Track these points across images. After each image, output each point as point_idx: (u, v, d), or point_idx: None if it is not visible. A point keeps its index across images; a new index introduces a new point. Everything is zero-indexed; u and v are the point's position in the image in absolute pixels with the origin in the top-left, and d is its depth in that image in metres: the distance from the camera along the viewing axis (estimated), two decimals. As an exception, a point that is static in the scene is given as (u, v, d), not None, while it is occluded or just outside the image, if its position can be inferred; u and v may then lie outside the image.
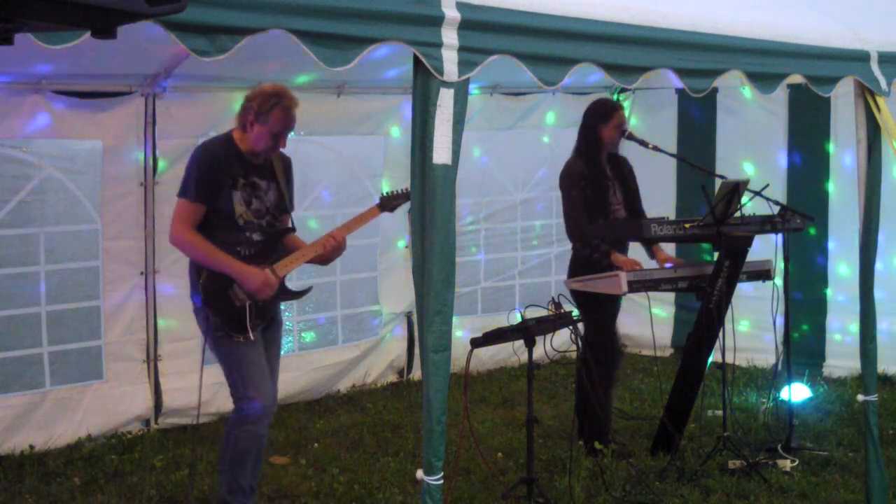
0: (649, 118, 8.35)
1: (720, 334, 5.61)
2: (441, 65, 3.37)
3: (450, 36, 3.39)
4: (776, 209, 5.74)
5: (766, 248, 6.13)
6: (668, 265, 5.77)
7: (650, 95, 8.28)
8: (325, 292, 7.09)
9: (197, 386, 4.85)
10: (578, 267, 5.73)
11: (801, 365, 7.08)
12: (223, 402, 5.51)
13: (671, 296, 8.12)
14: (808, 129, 7.63)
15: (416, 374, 7.50)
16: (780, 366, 6.39)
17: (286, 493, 5.27)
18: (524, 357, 5.11)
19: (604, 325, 5.85)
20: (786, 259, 5.90)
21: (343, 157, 7.15)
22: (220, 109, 6.14)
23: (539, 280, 8.26)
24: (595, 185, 5.74)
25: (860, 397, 5.02)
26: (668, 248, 6.82)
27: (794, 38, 4.67)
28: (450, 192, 3.43)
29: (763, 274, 5.90)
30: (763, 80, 4.56)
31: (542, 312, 4.91)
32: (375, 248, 7.33)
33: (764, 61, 4.53)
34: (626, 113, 8.02)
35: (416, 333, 5.09)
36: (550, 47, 3.72)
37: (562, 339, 5.04)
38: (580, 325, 5.43)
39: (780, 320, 5.96)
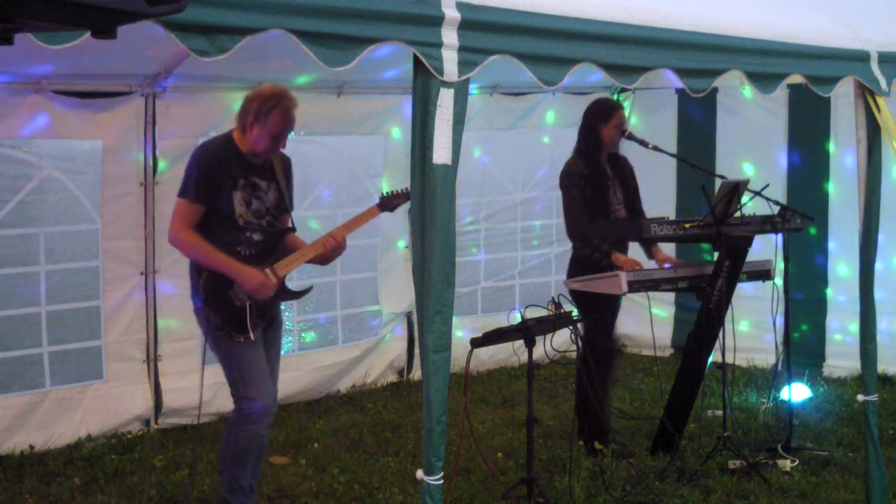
0: (649, 118, 8.35)
1: (720, 334, 5.61)
2: (441, 65, 3.37)
3: (450, 36, 3.39)
4: (776, 209, 5.74)
5: (766, 248, 6.13)
6: (667, 266, 5.77)
7: (650, 95, 8.28)
8: (325, 292, 7.09)
9: (197, 386, 4.85)
10: (578, 267, 5.73)
11: (801, 365, 7.08)
12: (223, 401, 5.51)
13: (671, 296, 8.12)
14: (808, 129, 7.63)
15: (416, 374, 7.50)
16: (780, 366, 6.39)
17: (286, 493, 5.27)
18: (524, 357, 5.11)
19: (603, 325, 5.84)
20: (786, 259, 5.90)
21: (343, 157, 7.15)
22: (220, 109, 6.14)
23: (539, 280, 8.26)
24: (595, 185, 5.74)
25: (860, 397, 5.02)
26: (668, 249, 6.83)
27: (794, 38, 4.67)
28: (450, 192, 3.43)
29: (763, 274, 5.90)
30: (763, 80, 4.56)
31: (542, 312, 4.91)
32: (375, 248, 7.33)
33: (764, 61, 4.53)
34: (627, 113, 8.04)
35: (416, 333, 5.09)
36: (550, 47, 3.72)
37: (562, 339, 5.04)
38: (580, 325, 5.43)
39: (780, 320, 5.95)
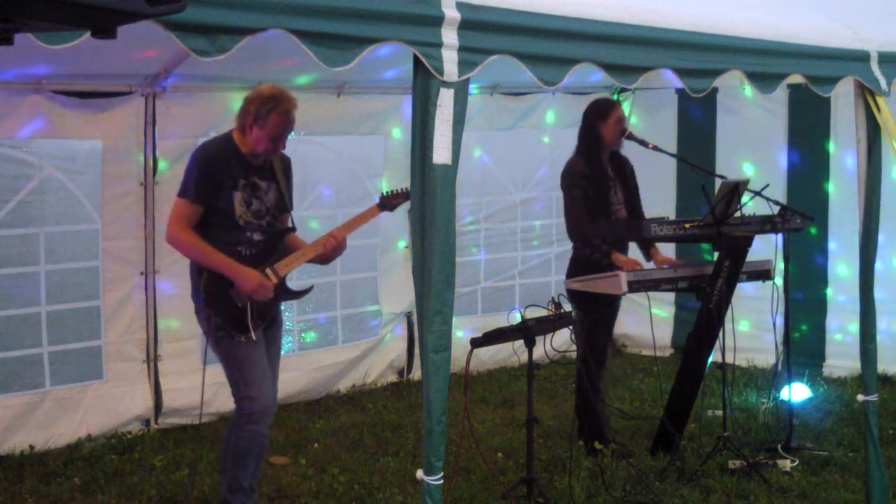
0: (649, 118, 8.35)
1: (720, 334, 5.61)
2: (441, 65, 3.37)
3: (450, 36, 3.39)
4: (776, 209, 5.74)
5: (766, 248, 6.13)
6: (666, 266, 5.76)
7: (650, 95, 8.28)
8: (325, 292, 7.09)
9: (197, 386, 4.85)
10: (578, 267, 5.72)
11: (801, 365, 7.08)
12: (223, 401, 5.51)
13: (671, 296, 8.12)
14: (808, 129, 7.63)
15: (416, 374, 7.50)
16: (780, 366, 6.39)
17: (286, 493, 5.27)
18: (524, 357, 5.11)
19: (603, 325, 5.84)
20: (786, 259, 5.90)
21: (343, 157, 7.15)
22: (220, 109, 6.14)
23: (539, 280, 8.26)
24: (596, 185, 5.73)
25: (860, 397, 5.02)
26: (668, 250, 6.83)
27: (794, 38, 4.67)
28: (450, 192, 3.43)
29: (763, 274, 5.90)
30: (763, 80, 4.56)
31: (542, 312, 4.91)
32: (375, 248, 7.33)
33: (764, 61, 4.53)
34: (627, 113, 8.04)
35: (416, 333, 5.09)
36: (550, 47, 3.72)
37: (562, 339, 5.04)
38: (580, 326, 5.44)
39: (780, 320, 5.95)
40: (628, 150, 6.11)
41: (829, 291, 7.61)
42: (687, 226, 5.52)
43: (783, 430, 5.92)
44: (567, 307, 5.15)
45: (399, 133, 7.20)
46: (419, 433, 4.92)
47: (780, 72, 4.62)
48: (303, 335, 7.10)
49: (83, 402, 6.00)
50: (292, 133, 4.67)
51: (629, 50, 4.01)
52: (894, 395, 6.87)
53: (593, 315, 5.66)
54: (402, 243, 7.39)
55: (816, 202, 7.36)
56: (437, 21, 3.37)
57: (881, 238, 5.03)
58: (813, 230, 7.28)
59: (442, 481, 3.49)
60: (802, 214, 5.81)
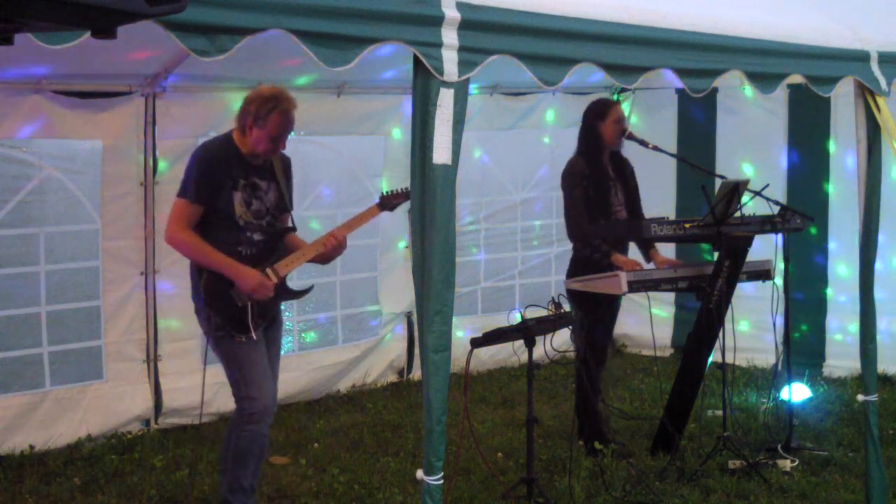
0: (649, 118, 8.35)
1: (720, 334, 5.61)
2: (441, 65, 3.37)
3: (450, 36, 3.39)
4: (776, 209, 5.74)
5: (766, 248, 6.13)
6: (666, 267, 5.76)
7: (650, 95, 8.28)
8: (325, 292, 7.09)
9: (197, 386, 4.85)
10: (578, 267, 5.72)
11: (801, 365, 7.08)
12: (223, 401, 5.51)
13: (671, 296, 8.13)
14: (808, 129, 7.63)
15: (416, 374, 7.50)
16: (780, 366, 6.39)
17: (286, 493, 5.27)
18: (524, 357, 5.11)
19: (603, 325, 5.84)
20: (786, 259, 5.90)
21: (343, 157, 7.15)
22: (220, 109, 6.14)
23: (539, 280, 8.26)
24: (597, 185, 5.73)
25: (860, 397, 5.02)
26: (668, 250, 6.83)
27: (794, 38, 4.67)
28: (450, 192, 3.43)
29: (763, 274, 5.90)
30: (763, 80, 4.56)
31: (542, 312, 4.91)
32: (375, 248, 7.33)
33: (764, 61, 4.53)
34: (627, 113, 8.04)
35: (416, 333, 5.09)
36: (550, 47, 3.72)
37: (562, 339, 5.05)
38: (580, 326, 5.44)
39: (780, 320, 5.95)
40: (628, 150, 6.11)
41: (829, 291, 7.61)
42: (687, 226, 5.52)
43: (783, 430, 5.93)
44: (567, 307, 5.15)
45: (399, 133, 7.20)
46: (419, 433, 4.92)
47: (780, 72, 4.62)
48: (303, 335, 7.10)
49: (83, 402, 6.00)
50: (292, 133, 4.66)
51: (629, 50, 4.01)
52: (894, 395, 6.87)
53: (593, 315, 5.66)
54: (403, 243, 7.39)
55: (816, 202, 7.37)
56: (437, 21, 3.36)
57: (881, 238, 5.03)
58: (813, 230, 7.28)
59: (442, 481, 3.49)
60: (802, 214, 5.81)
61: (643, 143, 5.82)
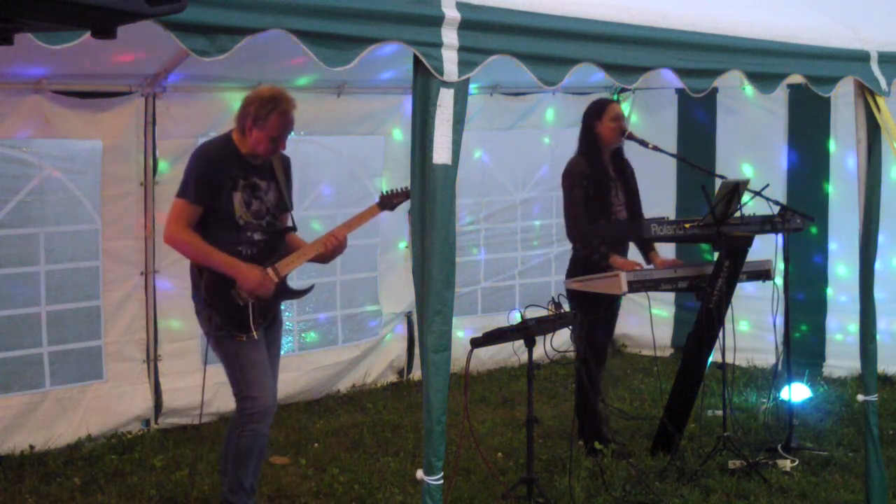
0: (649, 118, 8.35)
1: (720, 334, 5.61)
2: (441, 65, 3.37)
3: (450, 36, 3.39)
4: (776, 209, 5.74)
5: (766, 248, 6.13)
6: (665, 267, 5.76)
7: (650, 95, 8.28)
8: (325, 292, 7.09)
9: (197, 386, 4.85)
10: (578, 267, 5.72)
11: (801, 365, 7.08)
12: (223, 401, 5.52)
13: (671, 296, 8.12)
14: (808, 129, 7.63)
15: (416, 374, 7.50)
16: (780, 366, 6.39)
17: (286, 493, 5.27)
18: (524, 357, 5.11)
19: (603, 325, 5.84)
20: (786, 259, 5.90)
21: (343, 157, 7.16)
22: (220, 109, 6.14)
23: (539, 280, 8.26)
24: (597, 185, 5.73)
25: (860, 397, 5.02)
26: (668, 250, 6.82)
27: (794, 38, 4.67)
28: (450, 192, 3.43)
29: (763, 274, 5.89)
30: (763, 80, 4.56)
31: (542, 312, 4.91)
32: (375, 248, 7.33)
33: (764, 61, 4.53)
34: (627, 113, 8.04)
35: (416, 333, 5.09)
36: (550, 47, 3.72)
37: (562, 339, 5.04)
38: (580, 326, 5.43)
39: (780, 320, 5.95)
40: (628, 150, 6.11)
41: (830, 291, 7.61)
42: (687, 226, 5.52)
43: (783, 430, 5.92)
44: (567, 307, 5.14)
45: (399, 133, 7.20)
46: (419, 433, 4.92)
47: (780, 72, 4.62)
48: (303, 335, 7.11)
49: (83, 402, 6.00)
50: (292, 133, 4.66)
51: (629, 50, 4.01)
52: (894, 395, 6.87)
53: (593, 315, 5.66)
54: (403, 243, 7.39)
55: (816, 202, 7.37)
56: (437, 21, 3.37)
57: (881, 238, 5.03)
58: (813, 230, 7.28)
59: (442, 481, 3.49)
60: (802, 214, 5.81)
61: (643, 143, 5.82)
